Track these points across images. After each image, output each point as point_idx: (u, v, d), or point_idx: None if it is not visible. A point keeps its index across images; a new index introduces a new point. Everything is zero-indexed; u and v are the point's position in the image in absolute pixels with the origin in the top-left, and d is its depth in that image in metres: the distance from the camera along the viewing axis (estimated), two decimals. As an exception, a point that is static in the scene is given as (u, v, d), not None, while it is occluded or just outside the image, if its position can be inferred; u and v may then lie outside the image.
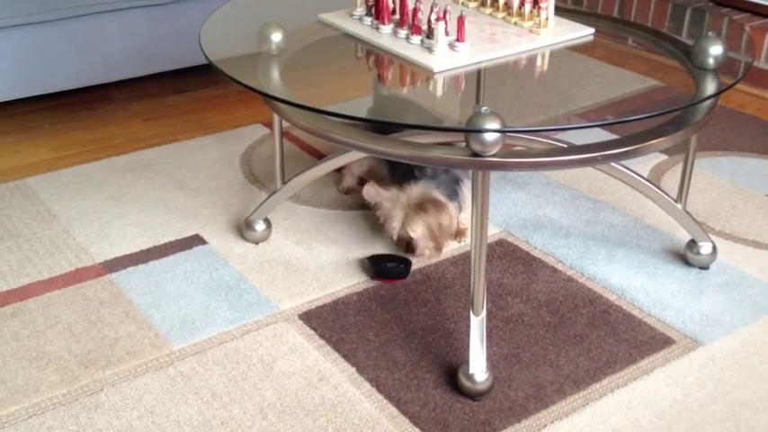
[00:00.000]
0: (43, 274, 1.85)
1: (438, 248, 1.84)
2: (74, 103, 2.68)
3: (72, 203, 2.13)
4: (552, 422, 1.46)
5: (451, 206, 1.83)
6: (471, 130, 1.37)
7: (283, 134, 1.93)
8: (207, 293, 1.79)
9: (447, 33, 1.72)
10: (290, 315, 1.72)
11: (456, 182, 1.87)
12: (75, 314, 1.72)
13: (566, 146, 1.87)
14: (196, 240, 1.98)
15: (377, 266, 1.82)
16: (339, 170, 2.07)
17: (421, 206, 1.78)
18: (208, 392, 1.52)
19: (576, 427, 1.45)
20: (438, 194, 1.81)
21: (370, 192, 1.81)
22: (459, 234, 1.94)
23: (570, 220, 2.07)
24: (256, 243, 1.97)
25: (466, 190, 1.87)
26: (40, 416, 1.46)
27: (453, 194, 1.86)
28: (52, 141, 2.47)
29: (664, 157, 2.33)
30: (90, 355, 1.61)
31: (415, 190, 1.80)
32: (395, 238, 1.83)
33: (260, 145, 2.44)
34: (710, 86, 1.65)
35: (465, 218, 1.86)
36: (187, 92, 2.80)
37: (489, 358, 1.54)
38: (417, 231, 1.78)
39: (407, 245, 1.85)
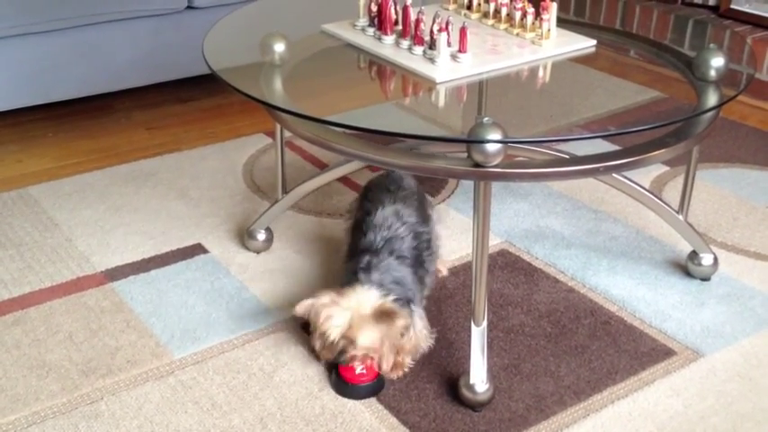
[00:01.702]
0: (45, 282, 1.85)
1: (384, 362, 1.54)
2: (77, 113, 2.69)
3: (74, 212, 2.14)
4: (553, 433, 1.46)
5: (403, 313, 1.49)
6: (473, 141, 1.37)
7: (285, 144, 1.93)
8: (208, 302, 1.79)
9: (449, 44, 1.72)
10: (291, 325, 1.72)
11: (408, 302, 1.54)
12: (76, 323, 1.72)
13: (567, 157, 1.88)
14: (198, 249, 1.98)
15: (344, 387, 1.54)
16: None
17: (367, 311, 1.47)
18: (208, 402, 1.51)
19: (576, 439, 1.44)
20: (387, 300, 1.49)
21: (301, 307, 1.50)
22: (395, 366, 1.56)
23: (572, 230, 2.07)
24: (258, 252, 1.97)
25: (418, 313, 1.56)
26: (40, 424, 1.46)
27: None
28: (55, 150, 2.48)
29: (665, 168, 2.33)
30: (90, 364, 1.61)
31: (359, 292, 1.49)
32: (332, 338, 1.48)
33: (262, 154, 2.44)
34: (712, 98, 1.65)
35: (408, 347, 1.57)
36: (190, 101, 2.81)
37: (490, 369, 1.54)
38: (363, 339, 1.47)
39: (340, 352, 1.50)
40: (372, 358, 1.52)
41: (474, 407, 1.50)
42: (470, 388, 1.49)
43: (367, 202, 1.68)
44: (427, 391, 1.55)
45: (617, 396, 1.54)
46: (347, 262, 1.64)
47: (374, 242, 1.59)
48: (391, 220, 1.61)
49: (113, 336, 1.68)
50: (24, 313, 1.75)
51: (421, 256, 1.62)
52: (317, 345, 1.53)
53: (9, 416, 1.48)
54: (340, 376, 1.53)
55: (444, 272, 1.87)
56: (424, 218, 1.68)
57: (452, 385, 1.54)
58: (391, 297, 1.50)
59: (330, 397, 1.53)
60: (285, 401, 1.52)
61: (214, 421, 1.47)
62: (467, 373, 1.50)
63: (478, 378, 1.49)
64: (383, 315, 1.47)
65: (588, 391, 1.55)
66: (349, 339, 1.48)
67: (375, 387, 1.53)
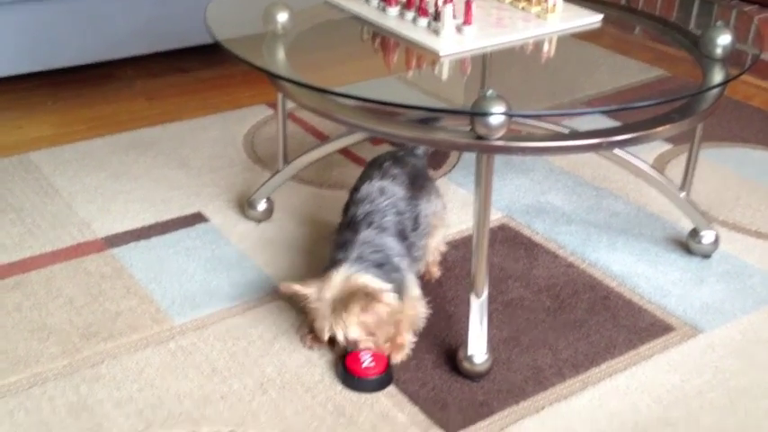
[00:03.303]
0: (45, 247, 1.85)
1: (384, 341, 1.51)
2: (77, 80, 2.68)
3: (74, 179, 2.13)
4: (550, 404, 1.46)
5: (388, 292, 1.45)
6: (477, 113, 1.37)
7: (287, 115, 1.92)
8: (208, 270, 1.79)
9: (454, 16, 1.71)
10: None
11: (395, 269, 1.51)
12: (76, 287, 1.72)
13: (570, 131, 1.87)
14: (198, 218, 1.98)
15: (351, 380, 1.49)
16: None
17: (348, 300, 1.43)
18: (208, 367, 1.52)
19: (573, 410, 1.45)
20: (368, 279, 1.45)
21: (287, 288, 1.49)
22: (395, 348, 1.53)
23: (573, 206, 2.07)
24: (258, 222, 1.97)
25: (409, 279, 1.53)
26: (41, 386, 1.47)
27: (389, 281, 1.48)
28: (55, 118, 2.47)
29: (668, 146, 2.33)
30: (91, 328, 1.61)
31: (338, 279, 1.45)
32: (325, 339, 1.50)
33: (263, 125, 2.44)
34: (718, 76, 1.65)
35: (405, 321, 1.53)
36: (191, 71, 2.80)
37: (489, 341, 1.54)
38: (351, 333, 1.45)
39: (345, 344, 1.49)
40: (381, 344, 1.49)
41: (472, 377, 1.51)
42: (469, 359, 1.50)
43: (359, 180, 1.66)
44: (426, 361, 1.55)
45: (615, 370, 1.55)
46: (333, 237, 1.61)
47: (355, 215, 1.56)
48: (374, 195, 1.58)
49: (114, 301, 1.69)
50: (25, 277, 1.75)
51: (405, 230, 1.58)
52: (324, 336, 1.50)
53: (10, 377, 1.48)
54: (347, 369, 1.49)
55: (436, 273, 1.78)
56: (414, 196, 1.62)
57: (451, 356, 1.55)
58: (369, 274, 1.45)
59: (330, 365, 1.53)
60: (285, 368, 1.52)
61: (214, 386, 1.48)
62: (466, 344, 1.51)
63: (477, 349, 1.50)
64: (364, 298, 1.42)
65: (586, 365, 1.55)
66: (341, 333, 1.45)
67: (383, 380, 1.49)
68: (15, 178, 2.13)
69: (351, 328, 1.44)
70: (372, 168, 1.66)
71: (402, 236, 1.57)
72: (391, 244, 1.53)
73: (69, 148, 2.28)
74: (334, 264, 1.49)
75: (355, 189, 1.63)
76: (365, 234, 1.52)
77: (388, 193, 1.59)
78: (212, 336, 1.59)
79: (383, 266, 1.49)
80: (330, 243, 1.61)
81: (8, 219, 1.95)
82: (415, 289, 1.55)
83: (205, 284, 1.74)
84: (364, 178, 1.64)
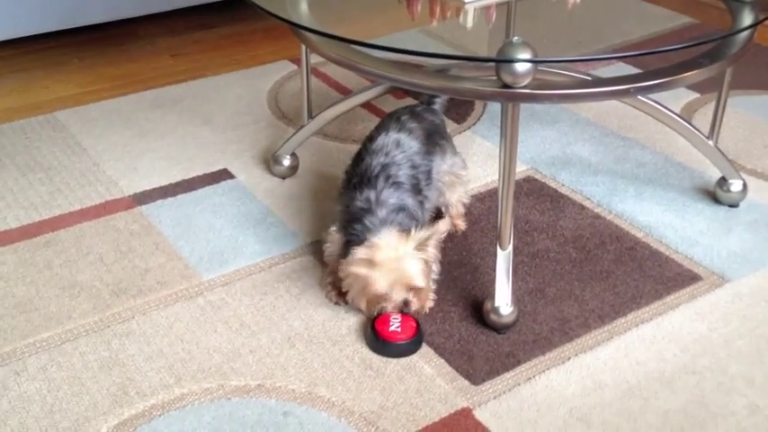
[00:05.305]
0: (74, 205, 1.88)
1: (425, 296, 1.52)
2: (101, 39, 2.68)
3: (101, 137, 2.15)
4: (576, 355, 1.47)
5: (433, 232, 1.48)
6: (502, 60, 1.35)
7: (310, 70, 1.91)
8: (235, 226, 1.80)
9: (478, -36, 1.69)
10: (316, 248, 1.73)
11: (418, 226, 1.51)
12: (106, 245, 1.75)
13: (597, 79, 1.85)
14: (224, 175, 1.99)
15: (381, 344, 1.48)
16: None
17: (411, 254, 1.46)
18: (236, 322, 1.54)
19: (599, 360, 1.45)
20: (413, 233, 1.47)
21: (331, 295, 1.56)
22: (423, 299, 1.53)
23: (599, 157, 2.05)
24: (283, 178, 1.97)
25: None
26: (73, 342, 1.50)
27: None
28: (80, 76, 2.48)
29: (696, 95, 2.30)
30: (121, 285, 1.63)
31: (385, 243, 1.45)
32: (395, 301, 1.48)
33: (287, 81, 2.43)
34: (747, 18, 1.61)
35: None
36: (213, 28, 2.79)
37: (514, 293, 1.55)
38: (419, 281, 1.47)
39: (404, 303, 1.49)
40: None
41: (498, 329, 1.52)
42: (495, 311, 1.50)
43: (374, 130, 1.66)
44: (452, 313, 1.56)
45: (641, 320, 1.54)
46: (344, 189, 1.60)
47: (370, 167, 1.56)
48: (390, 146, 1.58)
49: (143, 258, 1.71)
50: (55, 235, 1.78)
51: (419, 184, 1.58)
52: (363, 304, 1.51)
53: (43, 333, 1.52)
54: (377, 333, 1.47)
55: (462, 226, 1.78)
56: (429, 152, 1.63)
57: (477, 308, 1.56)
58: (413, 231, 1.47)
59: (357, 318, 1.54)
60: (312, 322, 1.54)
61: (243, 340, 1.50)
62: (492, 296, 1.51)
63: (503, 301, 1.50)
64: (423, 244, 1.46)
65: (612, 315, 1.55)
66: (409, 289, 1.46)
67: (413, 345, 1.48)
68: (43, 137, 2.15)
69: (417, 276, 1.46)
70: (390, 120, 1.66)
71: (416, 189, 1.58)
72: (409, 201, 1.54)
73: (95, 107, 2.29)
74: (362, 229, 1.49)
75: (370, 139, 1.62)
76: (386, 192, 1.53)
77: (404, 146, 1.59)
78: (240, 291, 1.61)
79: (409, 225, 1.50)
80: (342, 194, 1.60)
81: (37, 178, 1.98)
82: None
83: (232, 240, 1.75)
84: (380, 129, 1.64)
